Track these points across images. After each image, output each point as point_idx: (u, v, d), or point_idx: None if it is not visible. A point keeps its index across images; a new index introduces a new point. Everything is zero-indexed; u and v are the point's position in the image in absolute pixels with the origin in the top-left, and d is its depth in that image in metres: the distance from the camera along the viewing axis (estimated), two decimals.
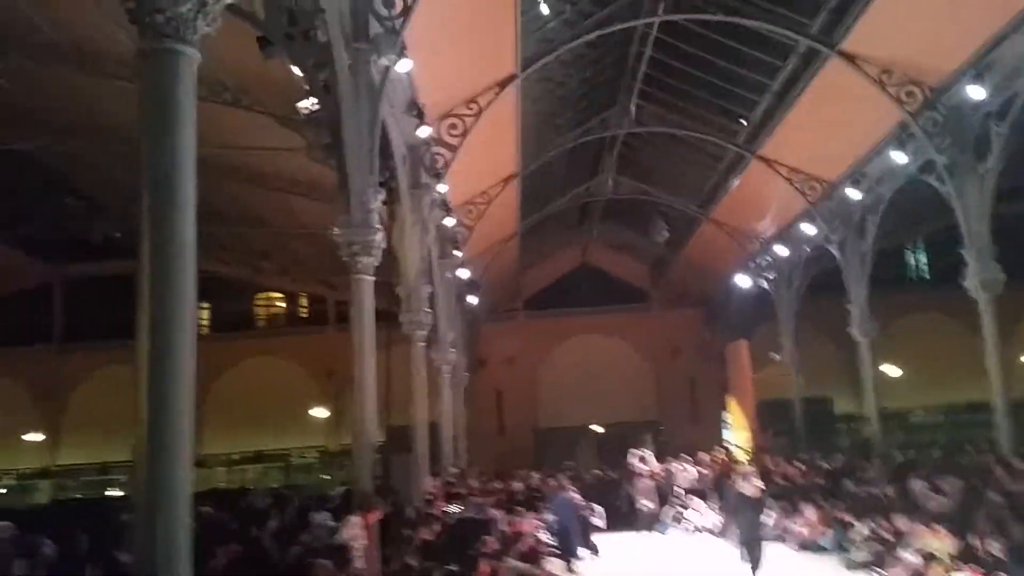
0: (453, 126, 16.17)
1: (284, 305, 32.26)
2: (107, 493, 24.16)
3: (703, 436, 26.33)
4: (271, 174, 17.88)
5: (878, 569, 12.83)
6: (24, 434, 28.71)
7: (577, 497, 17.08)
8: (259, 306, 32.23)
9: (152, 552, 3.98)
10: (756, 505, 13.17)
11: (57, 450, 29.14)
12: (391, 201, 13.92)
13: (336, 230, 10.75)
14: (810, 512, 17.24)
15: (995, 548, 10.83)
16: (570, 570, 15.03)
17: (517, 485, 21.06)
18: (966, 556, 11.25)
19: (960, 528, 11.82)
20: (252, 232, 22.38)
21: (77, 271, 28.93)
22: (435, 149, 15.79)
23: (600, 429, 29.49)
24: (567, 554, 15.48)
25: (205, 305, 29.49)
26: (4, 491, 28.80)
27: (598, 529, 18.02)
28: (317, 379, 28.98)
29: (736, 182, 22.00)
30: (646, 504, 20.16)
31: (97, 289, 27.49)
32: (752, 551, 12.76)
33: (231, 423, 28.08)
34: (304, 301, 31.84)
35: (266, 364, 29.65)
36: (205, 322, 29.81)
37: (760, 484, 13.85)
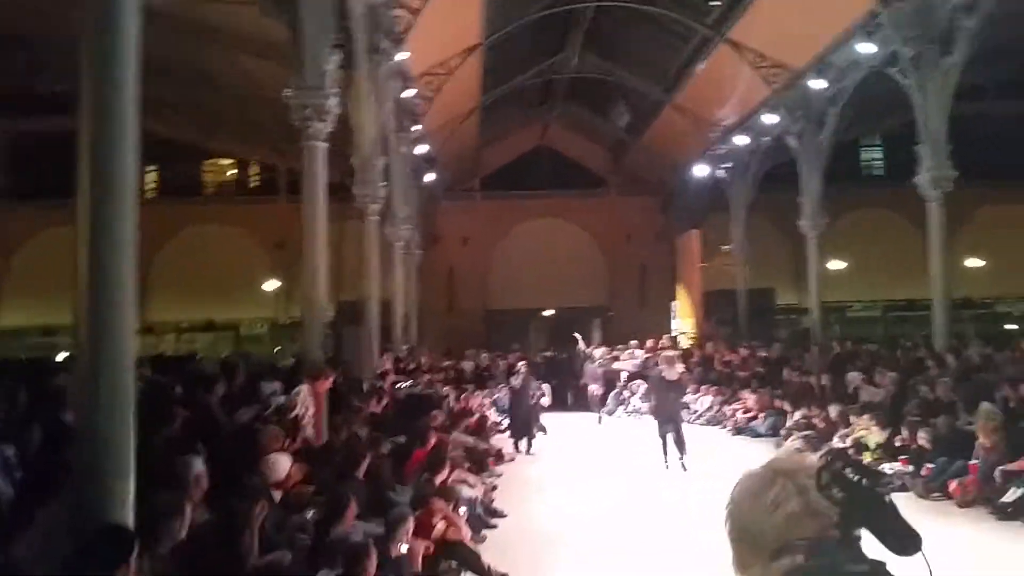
0: None
1: (234, 172, 31.45)
2: (56, 357, 23.61)
3: (651, 322, 26.81)
4: (223, 30, 16.95)
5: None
6: None
7: (527, 377, 17.33)
8: (208, 172, 31.37)
9: (95, 414, 3.93)
10: (676, 388, 13.45)
11: None
12: (347, 66, 13.36)
13: (288, 92, 10.36)
14: (748, 398, 17.88)
15: (922, 440, 11.31)
16: (517, 448, 15.46)
17: (467, 364, 21.43)
18: (895, 447, 11.77)
19: (891, 420, 12.30)
20: (203, 92, 21.37)
21: (21, 126, 27.44)
22: (395, 11, 15.08)
23: (551, 312, 29.82)
24: (516, 433, 15.89)
25: (152, 168, 28.58)
26: None
27: (544, 408, 18.50)
28: (267, 250, 28.57)
29: (702, 66, 21.58)
30: (593, 387, 20.67)
31: (43, 146, 26.29)
32: (672, 432, 12.99)
33: (179, 291, 27.68)
34: (255, 169, 31.04)
35: (215, 232, 29.05)
36: (153, 186, 28.98)
37: (681, 368, 14.13)
